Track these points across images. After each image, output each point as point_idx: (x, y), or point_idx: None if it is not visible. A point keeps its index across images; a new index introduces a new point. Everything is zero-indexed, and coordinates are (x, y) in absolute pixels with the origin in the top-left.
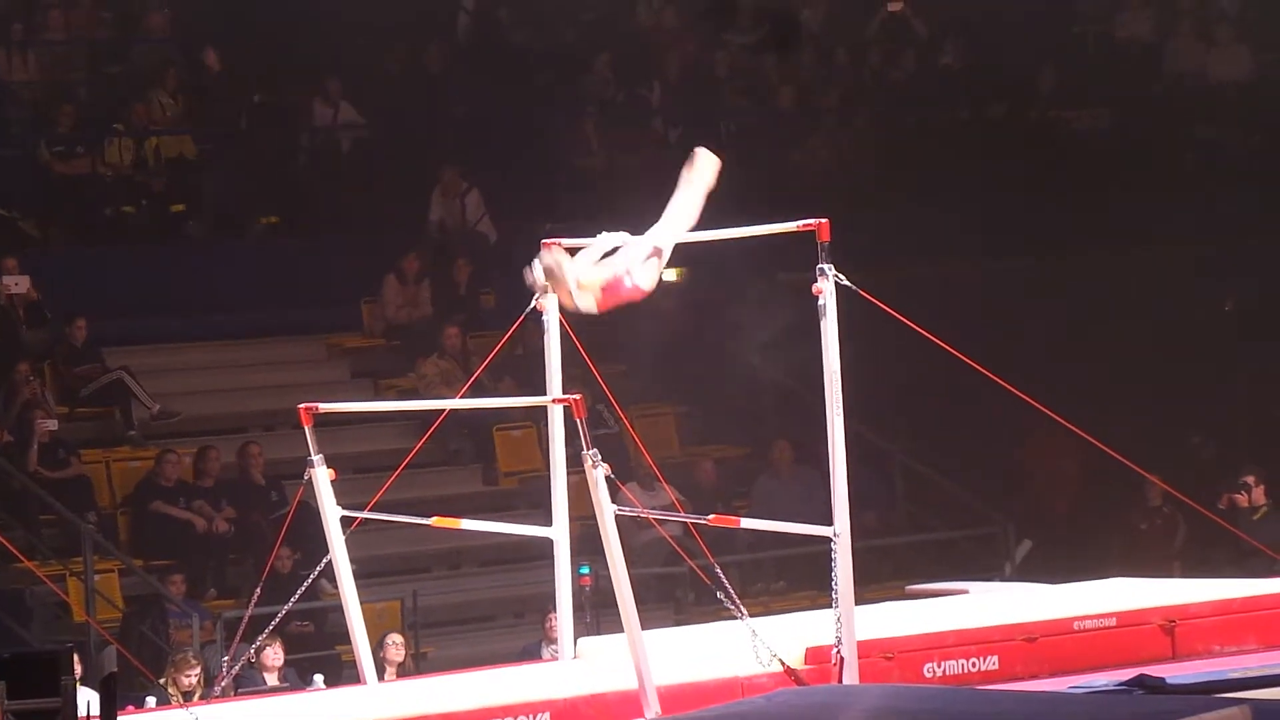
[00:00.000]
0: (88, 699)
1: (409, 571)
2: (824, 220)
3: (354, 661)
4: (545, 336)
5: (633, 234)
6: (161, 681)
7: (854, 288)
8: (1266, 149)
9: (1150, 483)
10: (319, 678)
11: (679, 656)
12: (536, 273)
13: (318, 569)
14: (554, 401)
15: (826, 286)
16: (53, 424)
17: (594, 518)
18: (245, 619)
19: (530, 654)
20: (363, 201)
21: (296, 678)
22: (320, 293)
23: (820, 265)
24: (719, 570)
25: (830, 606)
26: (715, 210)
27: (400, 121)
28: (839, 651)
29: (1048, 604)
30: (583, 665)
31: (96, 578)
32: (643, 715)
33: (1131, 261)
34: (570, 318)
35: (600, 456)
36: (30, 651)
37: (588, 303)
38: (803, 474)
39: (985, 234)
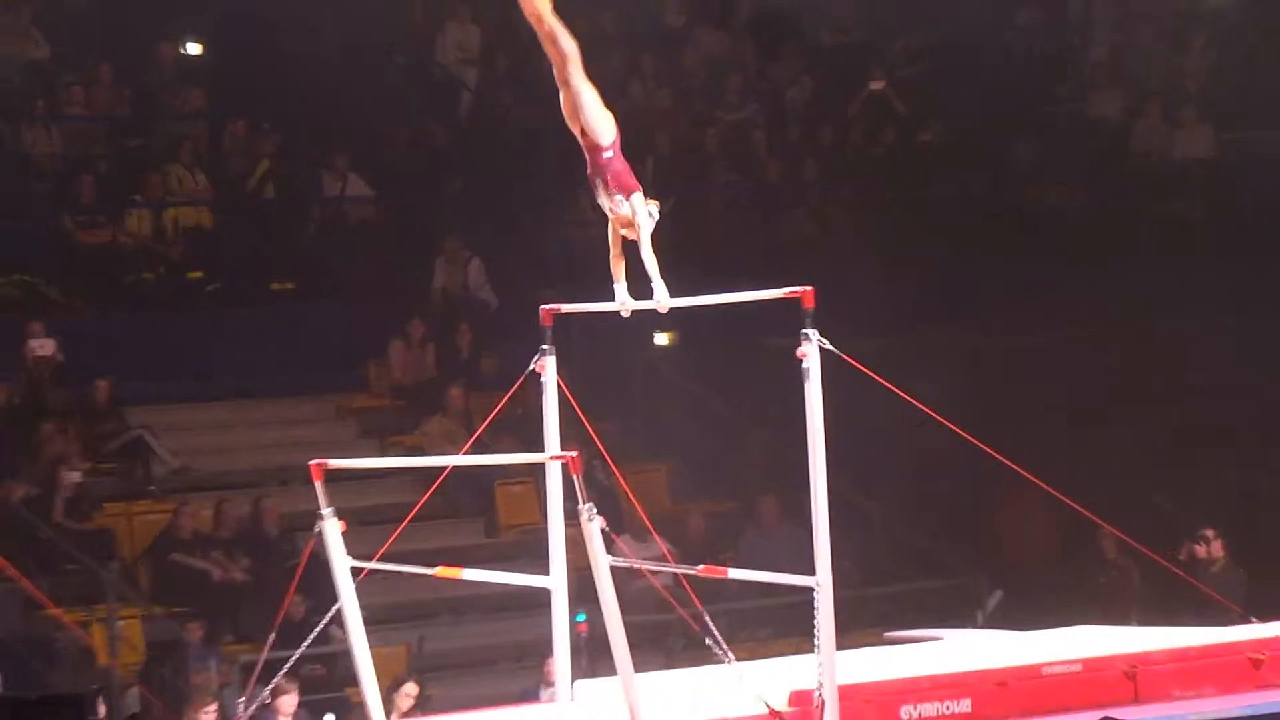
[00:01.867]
0: None
1: (415, 618)
2: (808, 288)
3: (363, 703)
4: (543, 397)
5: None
6: None
7: (837, 352)
8: (1229, 224)
9: (1106, 537)
10: (330, 717)
11: (670, 699)
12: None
13: (329, 616)
14: (552, 458)
15: (811, 351)
16: (77, 478)
17: (590, 568)
18: (260, 663)
19: (529, 696)
20: (370, 269)
21: (309, 718)
22: (330, 355)
23: (805, 331)
24: (708, 618)
25: (812, 652)
26: (705, 278)
27: (406, 194)
28: (821, 694)
29: (1017, 650)
30: (579, 707)
31: (119, 624)
32: None
33: (1101, 331)
34: (565, 379)
35: (595, 510)
36: (57, 695)
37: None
38: (787, 528)
39: (962, 303)
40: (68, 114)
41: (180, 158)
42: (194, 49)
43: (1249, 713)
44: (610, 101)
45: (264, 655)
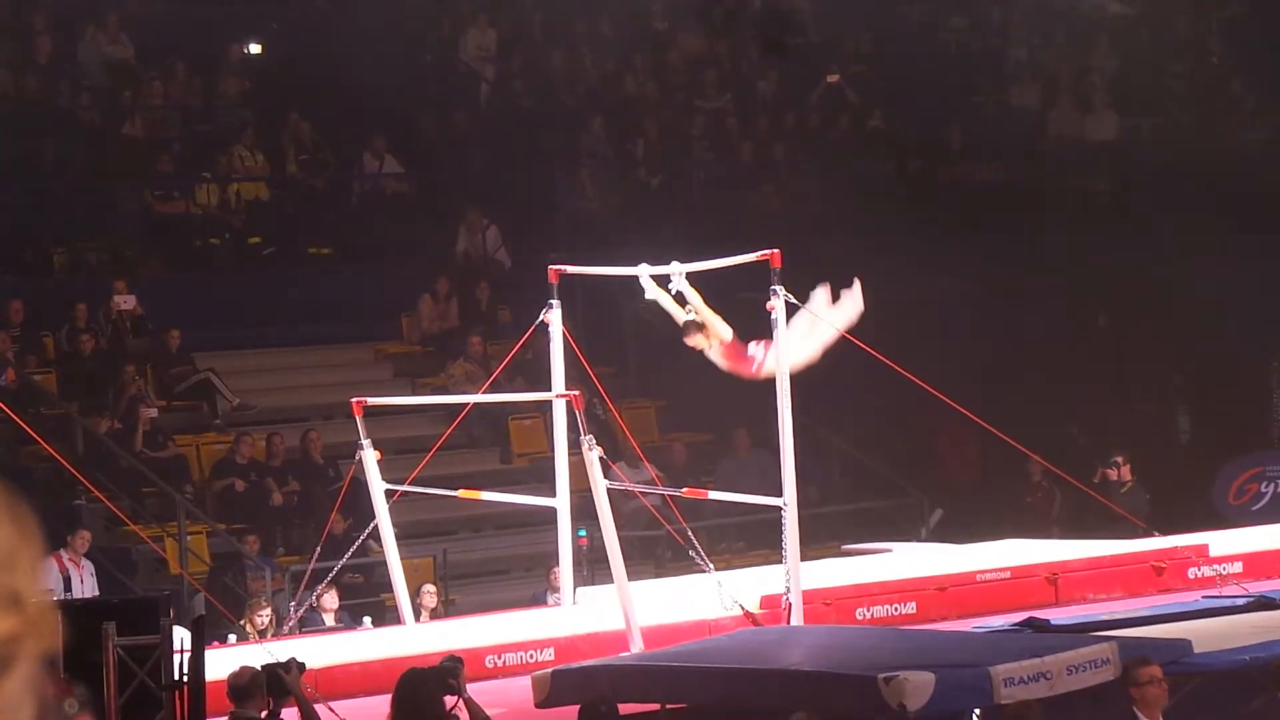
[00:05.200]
0: (181, 636)
1: (440, 534)
2: (776, 251)
3: (396, 606)
4: (550, 344)
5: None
6: (241, 622)
7: (800, 304)
8: (1130, 196)
9: (1032, 463)
10: (367, 619)
11: (659, 603)
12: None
13: (366, 531)
14: (557, 396)
15: (778, 304)
16: (153, 413)
17: (590, 490)
18: (308, 572)
19: (538, 600)
20: (403, 235)
21: (349, 619)
22: (369, 308)
23: (773, 287)
24: (691, 533)
25: (780, 562)
26: (689, 244)
27: (433, 171)
28: (788, 598)
29: (955, 560)
30: (581, 610)
31: (188, 538)
32: (629, 650)
33: (1022, 286)
34: (569, 329)
35: (594, 441)
36: (135, 598)
37: (711, 346)
38: (758, 455)
39: (905, 263)
40: (149, 104)
41: (243, 141)
42: (255, 49)
43: (1152, 612)
44: (607, 94)
45: (311, 565)
